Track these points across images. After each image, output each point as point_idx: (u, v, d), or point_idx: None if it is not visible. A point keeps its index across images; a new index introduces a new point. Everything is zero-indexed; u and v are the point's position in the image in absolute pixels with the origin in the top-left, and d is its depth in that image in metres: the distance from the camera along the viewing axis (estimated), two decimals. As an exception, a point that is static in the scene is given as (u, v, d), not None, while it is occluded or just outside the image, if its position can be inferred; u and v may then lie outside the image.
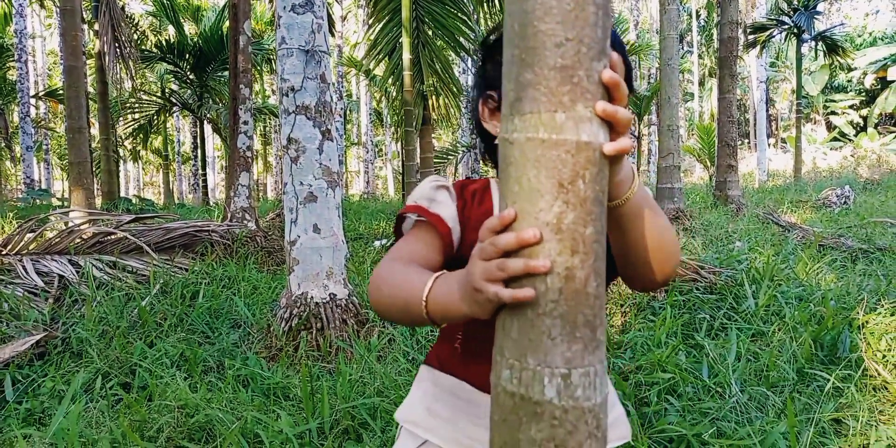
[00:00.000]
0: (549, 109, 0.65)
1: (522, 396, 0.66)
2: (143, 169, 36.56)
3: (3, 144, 17.21)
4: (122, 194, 20.58)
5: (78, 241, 5.06)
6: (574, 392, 0.65)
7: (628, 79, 0.91)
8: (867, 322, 2.66)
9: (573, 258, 0.65)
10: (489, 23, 11.28)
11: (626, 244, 0.82)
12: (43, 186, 21.84)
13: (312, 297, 3.10)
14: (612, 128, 0.68)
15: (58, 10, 7.77)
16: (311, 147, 3.14)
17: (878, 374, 2.32)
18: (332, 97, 3.23)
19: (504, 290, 0.66)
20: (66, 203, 10.80)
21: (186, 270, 4.55)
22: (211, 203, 15.26)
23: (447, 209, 0.95)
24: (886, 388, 2.27)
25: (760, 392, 2.15)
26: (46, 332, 3.39)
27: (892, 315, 2.77)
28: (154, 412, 2.10)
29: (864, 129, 28.85)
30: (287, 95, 3.13)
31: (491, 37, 1.02)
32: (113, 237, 5.04)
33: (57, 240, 5.02)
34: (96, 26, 10.92)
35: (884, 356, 2.42)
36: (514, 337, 0.68)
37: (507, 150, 0.69)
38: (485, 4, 10.23)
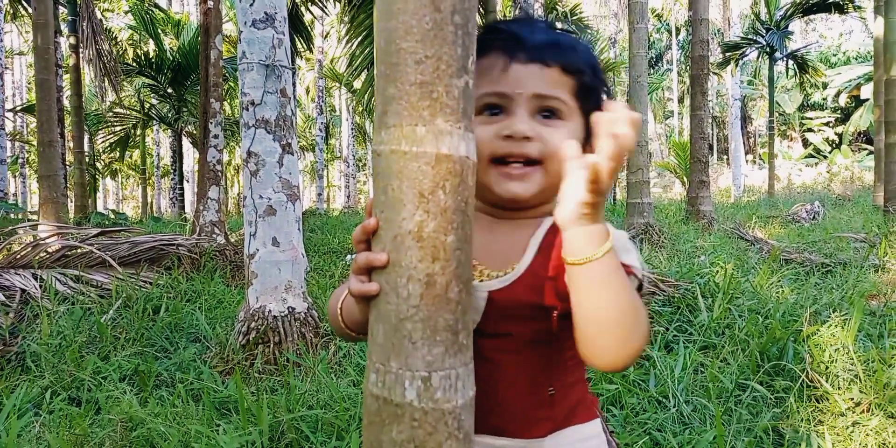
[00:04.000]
0: (411, 123, 0.68)
1: (385, 399, 0.69)
2: (123, 183, 36.25)
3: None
4: (101, 208, 20.38)
5: (43, 254, 5.00)
6: (434, 394, 0.68)
7: (596, 100, 0.90)
8: (814, 333, 2.71)
9: (434, 265, 0.68)
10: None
11: (574, 312, 0.73)
12: (19, 199, 21.59)
13: (270, 310, 3.10)
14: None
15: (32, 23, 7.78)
16: (271, 161, 3.15)
17: (821, 385, 2.36)
18: (292, 111, 3.26)
19: (356, 283, 0.71)
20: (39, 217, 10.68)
21: (151, 284, 4.51)
22: (188, 217, 15.16)
23: None
24: (827, 399, 2.31)
25: (702, 403, 2.18)
26: (1, 347, 3.35)
27: (839, 327, 2.83)
28: (97, 426, 2.08)
29: (838, 146, 29.41)
30: (247, 109, 3.16)
31: None
32: (79, 251, 4.99)
33: (22, 254, 4.97)
34: (73, 40, 10.91)
35: (827, 367, 2.47)
36: (380, 341, 0.70)
37: (375, 161, 0.72)
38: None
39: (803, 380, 2.32)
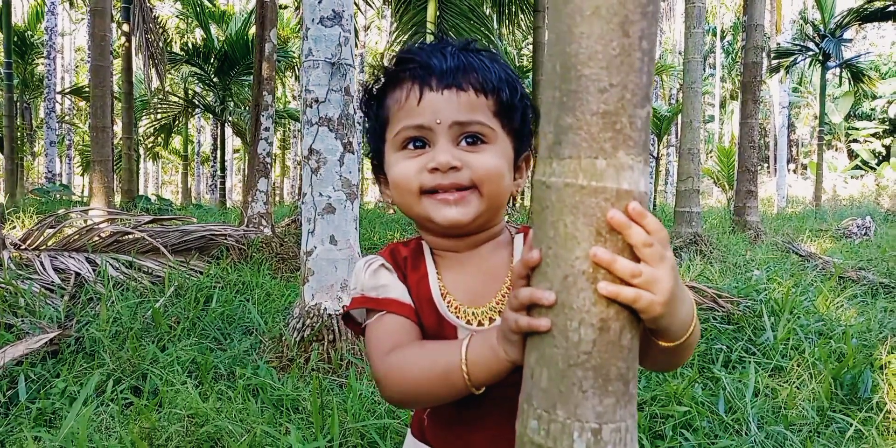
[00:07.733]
0: (590, 155, 0.64)
1: (549, 449, 0.65)
2: (163, 168, 36.98)
3: (25, 139, 17.50)
4: (141, 192, 20.82)
5: (96, 239, 5.10)
6: (604, 448, 0.64)
7: (521, 118, 0.87)
8: (889, 362, 2.60)
9: (608, 309, 0.64)
10: (512, 40, 11.37)
11: (648, 359, 0.77)
12: (63, 181, 22.15)
13: (326, 308, 3.09)
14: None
15: (88, 9, 7.96)
16: (332, 159, 3.14)
17: (899, 417, 2.26)
18: (354, 110, 3.24)
19: (522, 317, 0.66)
20: (85, 199, 10.94)
21: (201, 274, 4.56)
22: (228, 205, 15.37)
23: (397, 288, 0.88)
24: (907, 433, 2.21)
25: (779, 431, 2.10)
26: (60, 331, 3.40)
27: (914, 355, 2.71)
28: (164, 420, 2.09)
29: (886, 158, 28.52)
30: (311, 106, 3.15)
31: (373, 86, 0.91)
32: (130, 237, 5.07)
33: (76, 237, 5.07)
34: (125, 27, 11.11)
35: (905, 399, 2.36)
36: (544, 386, 0.66)
37: (543, 193, 0.67)
38: (506, 22, 10.38)
39: (886, 411, 2.22)
